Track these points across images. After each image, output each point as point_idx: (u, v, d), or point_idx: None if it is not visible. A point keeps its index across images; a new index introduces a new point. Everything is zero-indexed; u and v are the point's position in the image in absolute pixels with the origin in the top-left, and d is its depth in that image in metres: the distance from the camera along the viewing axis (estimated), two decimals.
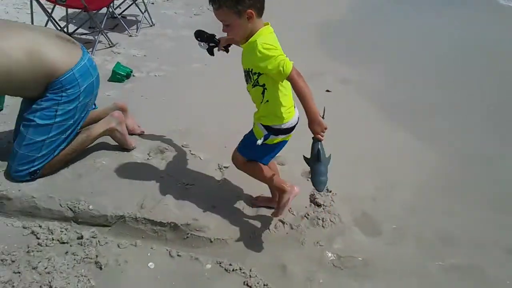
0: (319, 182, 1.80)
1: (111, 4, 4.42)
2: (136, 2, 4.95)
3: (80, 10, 3.84)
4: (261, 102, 1.86)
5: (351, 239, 2.01)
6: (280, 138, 1.93)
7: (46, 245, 1.75)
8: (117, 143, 2.54)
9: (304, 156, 1.86)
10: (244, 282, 1.72)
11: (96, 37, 4.37)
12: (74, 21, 4.58)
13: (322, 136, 1.75)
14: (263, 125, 1.90)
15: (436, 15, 6.58)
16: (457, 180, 2.63)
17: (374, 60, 4.63)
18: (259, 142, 1.89)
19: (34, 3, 3.94)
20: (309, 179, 1.86)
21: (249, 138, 1.98)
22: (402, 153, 2.86)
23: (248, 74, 1.83)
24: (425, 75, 4.33)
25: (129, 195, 2.19)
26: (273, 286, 1.70)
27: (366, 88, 3.92)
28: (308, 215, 2.14)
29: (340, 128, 3.03)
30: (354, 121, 3.26)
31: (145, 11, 4.84)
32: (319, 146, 1.76)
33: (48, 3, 4.00)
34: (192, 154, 2.61)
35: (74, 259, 1.67)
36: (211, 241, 2.02)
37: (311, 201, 2.27)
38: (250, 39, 1.76)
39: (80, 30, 4.43)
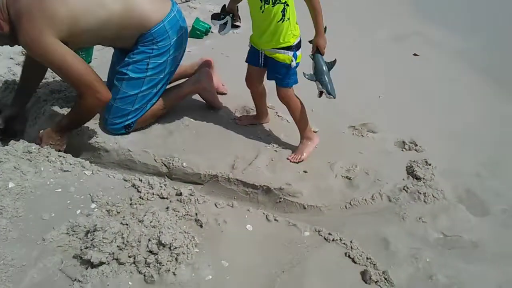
0: (333, 89, 2.02)
1: None
2: None
3: None
4: (280, 21, 1.92)
5: (457, 217, 1.88)
6: (300, 53, 2.06)
7: (148, 199, 1.76)
8: (204, 101, 2.50)
9: (304, 74, 2.03)
10: (345, 254, 1.65)
11: None
12: None
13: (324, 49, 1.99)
14: (284, 48, 2.00)
15: None
16: None
17: (469, 23, 4.27)
18: (294, 63, 2.03)
19: None
20: (327, 95, 2.02)
21: (282, 68, 2.05)
22: (506, 127, 2.62)
23: None
24: None
25: (220, 154, 2.16)
26: (377, 261, 1.62)
27: (462, 52, 3.61)
28: (407, 188, 2.01)
29: (432, 99, 2.85)
30: (449, 90, 3.01)
31: None
32: (323, 59, 2.00)
33: None
34: (278, 116, 2.53)
35: (176, 215, 1.66)
36: (305, 208, 1.97)
37: (408, 173, 2.13)
38: None
39: None
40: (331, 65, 2.03)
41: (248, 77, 2.26)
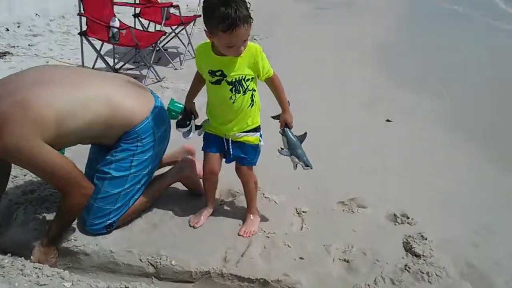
0: (309, 161, 2.06)
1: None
2: (178, 34, 4.93)
3: (131, 47, 3.78)
4: (249, 107, 1.95)
5: None
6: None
7: None
8: (187, 189, 2.41)
9: (279, 150, 2.08)
10: None
11: (141, 72, 4.36)
12: (117, 56, 4.56)
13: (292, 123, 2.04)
14: (252, 130, 2.02)
15: None
16: None
17: (434, 85, 4.48)
18: (262, 143, 2.08)
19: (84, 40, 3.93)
20: (305, 167, 2.06)
21: (250, 149, 2.05)
22: (489, 190, 2.65)
23: (239, 83, 1.88)
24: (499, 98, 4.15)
25: (210, 247, 2.04)
26: None
27: (435, 117, 3.74)
28: (409, 268, 1.94)
29: (418, 166, 2.87)
30: (428, 156, 3.05)
31: (188, 44, 4.79)
32: (293, 133, 2.05)
33: (96, 40, 3.98)
34: (266, 197, 2.45)
35: None
36: None
37: (406, 250, 2.07)
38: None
39: (125, 65, 4.40)
40: (302, 138, 2.08)
41: (209, 165, 2.11)
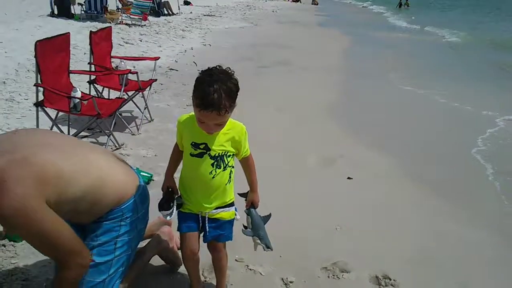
0: (270, 243, 2.06)
1: None
2: (133, 99, 4.88)
3: (93, 116, 3.68)
4: (227, 183, 1.94)
5: None
6: None
7: None
8: (165, 262, 2.32)
9: (243, 229, 2.09)
10: None
11: (98, 139, 4.23)
12: (70, 123, 4.40)
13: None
14: (228, 205, 1.99)
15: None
16: None
17: (383, 141, 4.77)
18: (238, 217, 2.07)
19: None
20: (266, 249, 2.06)
21: (227, 224, 2.01)
22: (460, 247, 2.81)
23: (221, 158, 1.88)
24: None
25: None
26: None
27: (391, 171, 3.94)
28: None
29: (383, 223, 3.00)
30: (395, 212, 3.20)
31: (145, 108, 4.76)
32: (257, 213, 2.08)
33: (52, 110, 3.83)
34: (250, 269, 2.42)
35: None
36: None
37: None
38: (230, 124, 1.85)
39: (81, 133, 4.25)
40: (266, 219, 2.11)
41: (190, 246, 1.97)
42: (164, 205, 1.97)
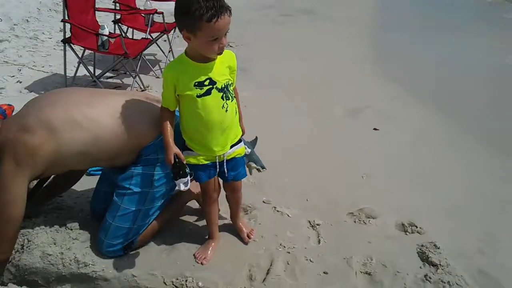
0: (263, 163, 2.26)
1: None
2: (157, 41, 4.81)
3: (120, 56, 3.64)
4: (236, 114, 1.91)
5: None
6: None
7: None
8: (200, 207, 2.35)
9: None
10: None
11: (123, 80, 4.22)
12: (96, 63, 4.38)
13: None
14: (238, 141, 1.96)
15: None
16: None
17: (414, 92, 4.64)
18: (249, 150, 2.06)
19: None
20: (262, 170, 2.30)
21: (241, 161, 2.03)
22: (492, 197, 2.79)
23: (227, 88, 1.81)
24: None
25: (233, 266, 2.01)
26: None
27: (420, 126, 3.86)
28: (429, 278, 2.01)
29: (411, 173, 2.98)
30: (421, 164, 3.17)
31: (169, 51, 4.69)
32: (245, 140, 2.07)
33: (78, 48, 3.80)
34: (278, 211, 2.45)
35: None
36: None
37: (423, 260, 2.14)
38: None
39: (106, 74, 4.25)
40: (254, 142, 2.20)
41: (213, 190, 2.01)
42: (180, 173, 1.76)
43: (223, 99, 1.80)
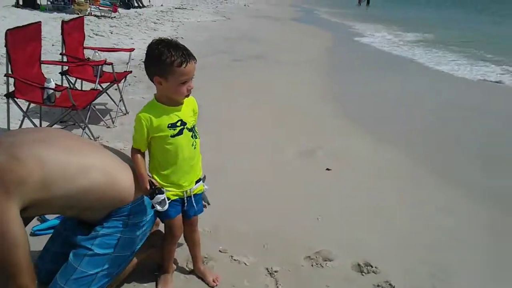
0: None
1: None
2: (107, 91, 4.76)
3: (67, 108, 3.56)
4: (199, 152, 2.05)
5: None
6: None
7: None
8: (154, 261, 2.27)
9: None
10: None
11: (72, 131, 4.10)
12: (42, 115, 4.24)
13: None
14: (199, 178, 2.09)
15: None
16: None
17: (360, 130, 4.85)
18: (207, 187, 2.18)
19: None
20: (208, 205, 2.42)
21: (201, 196, 2.14)
22: (439, 227, 2.90)
23: (194, 128, 2.00)
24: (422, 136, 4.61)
25: None
26: None
27: (370, 162, 4.01)
28: None
29: (362, 211, 3.06)
30: (371, 199, 3.27)
31: (120, 100, 4.65)
32: None
33: (23, 101, 3.68)
34: (235, 259, 2.42)
35: None
36: None
37: None
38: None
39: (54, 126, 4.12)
40: (203, 180, 2.19)
41: (179, 227, 2.07)
42: (156, 193, 1.85)
43: (192, 138, 1.98)
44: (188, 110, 1.97)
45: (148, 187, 1.86)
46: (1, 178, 1.54)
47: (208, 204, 2.49)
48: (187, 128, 1.94)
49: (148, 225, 1.99)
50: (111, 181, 1.81)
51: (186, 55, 1.81)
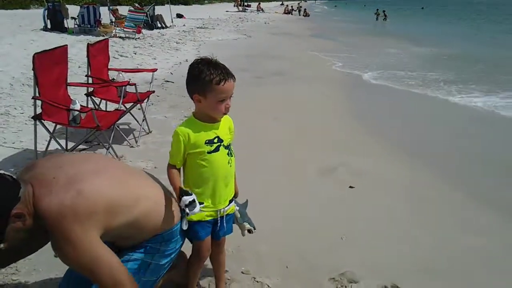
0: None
1: None
2: (131, 111, 4.85)
3: (92, 128, 3.64)
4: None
5: None
6: None
7: None
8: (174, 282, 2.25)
9: (236, 220, 2.21)
10: None
11: (96, 152, 4.18)
12: (68, 136, 4.35)
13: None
14: (232, 197, 2.09)
15: None
16: None
17: (383, 148, 4.76)
18: (238, 208, 2.20)
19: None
20: (253, 231, 2.27)
21: (233, 215, 2.15)
22: (466, 254, 2.79)
23: (230, 146, 2.00)
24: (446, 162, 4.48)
25: None
26: None
27: (389, 181, 3.92)
28: None
29: (389, 231, 2.96)
30: (398, 219, 3.18)
31: (143, 120, 4.72)
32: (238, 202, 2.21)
33: (49, 122, 3.78)
34: (257, 281, 2.38)
35: None
36: None
37: None
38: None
39: (79, 146, 4.20)
40: (245, 205, 2.27)
41: (208, 248, 2.05)
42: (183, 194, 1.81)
43: (229, 156, 1.98)
44: (225, 128, 1.99)
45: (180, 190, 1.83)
46: (75, 212, 1.55)
47: (254, 229, 2.28)
48: (224, 146, 1.95)
49: (176, 253, 1.98)
50: (158, 208, 1.83)
51: (225, 73, 1.84)
